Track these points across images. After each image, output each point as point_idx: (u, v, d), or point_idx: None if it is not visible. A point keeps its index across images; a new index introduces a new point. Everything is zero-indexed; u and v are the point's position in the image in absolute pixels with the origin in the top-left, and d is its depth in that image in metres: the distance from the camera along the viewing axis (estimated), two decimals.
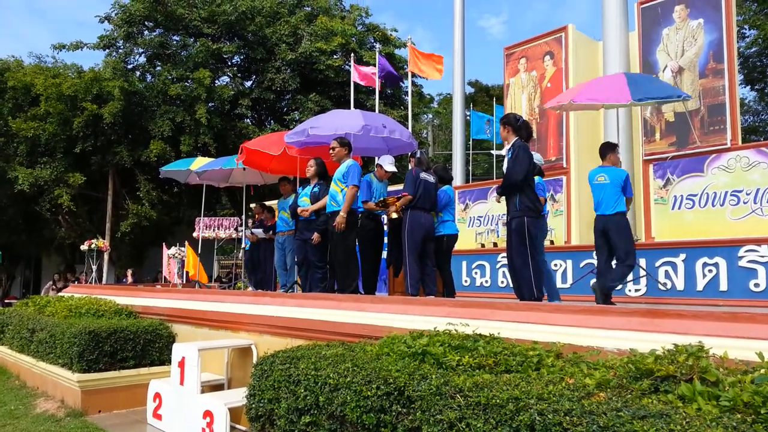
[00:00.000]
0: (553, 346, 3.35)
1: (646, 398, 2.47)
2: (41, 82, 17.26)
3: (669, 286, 7.40)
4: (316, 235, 6.66)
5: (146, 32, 19.90)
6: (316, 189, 6.94)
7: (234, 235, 13.06)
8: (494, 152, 18.66)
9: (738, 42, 15.37)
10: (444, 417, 2.77)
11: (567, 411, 2.40)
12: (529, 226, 5.44)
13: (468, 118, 19.08)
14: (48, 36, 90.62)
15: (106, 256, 18.78)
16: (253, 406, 3.99)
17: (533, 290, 5.37)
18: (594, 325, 3.57)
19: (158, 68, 19.79)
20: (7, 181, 17.85)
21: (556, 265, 8.58)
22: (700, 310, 3.42)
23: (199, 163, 11.63)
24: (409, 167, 6.91)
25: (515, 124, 5.73)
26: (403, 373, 3.16)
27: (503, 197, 5.80)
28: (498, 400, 2.64)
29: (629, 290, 7.73)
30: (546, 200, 6.86)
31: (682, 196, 8.38)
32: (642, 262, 7.67)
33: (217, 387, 6.31)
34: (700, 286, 7.16)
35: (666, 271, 7.45)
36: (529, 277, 5.41)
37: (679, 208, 8.35)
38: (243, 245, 11.73)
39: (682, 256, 7.34)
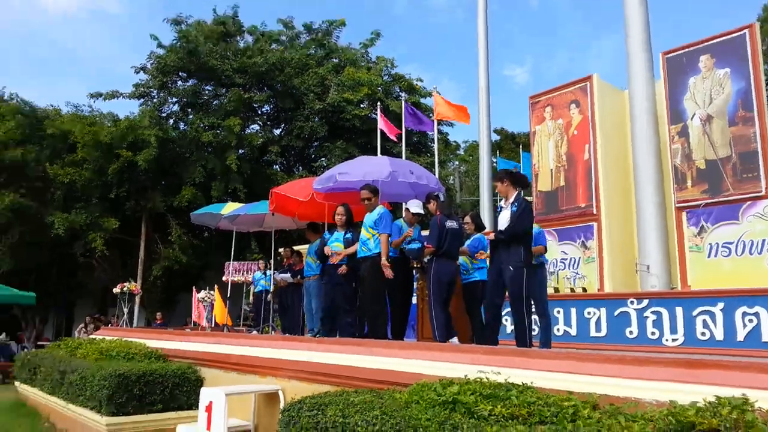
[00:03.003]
0: (589, 397, 3.25)
1: None
2: (79, 130, 17.94)
3: (708, 335, 7.18)
4: (343, 267, 6.60)
5: (180, 82, 20.66)
6: (349, 236, 6.97)
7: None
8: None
9: (767, 90, 15.29)
10: None
11: None
12: (527, 278, 5.61)
13: (495, 165, 19.15)
14: (85, 86, 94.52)
15: (137, 300, 19.01)
16: None
17: (526, 340, 5.55)
18: (631, 375, 3.46)
19: (191, 116, 20.42)
20: (44, 226, 18.35)
21: (589, 313, 8.41)
22: (743, 361, 3.30)
23: (230, 208, 11.82)
24: (431, 209, 6.91)
25: (513, 178, 5.94)
26: (434, 422, 3.10)
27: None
28: None
29: (666, 340, 7.52)
30: (546, 248, 6.96)
31: (717, 243, 8.21)
32: (679, 311, 7.48)
33: None
34: (740, 336, 6.93)
35: (704, 321, 7.24)
36: (523, 327, 5.55)
37: (716, 256, 8.18)
38: (253, 288, 11.82)
39: (720, 305, 7.14)
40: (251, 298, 11.90)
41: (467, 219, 7.11)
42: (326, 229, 8.55)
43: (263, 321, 11.53)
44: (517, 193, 5.86)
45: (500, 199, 6.20)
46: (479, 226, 7.06)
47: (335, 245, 6.96)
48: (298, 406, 4.05)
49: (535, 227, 6.27)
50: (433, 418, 3.15)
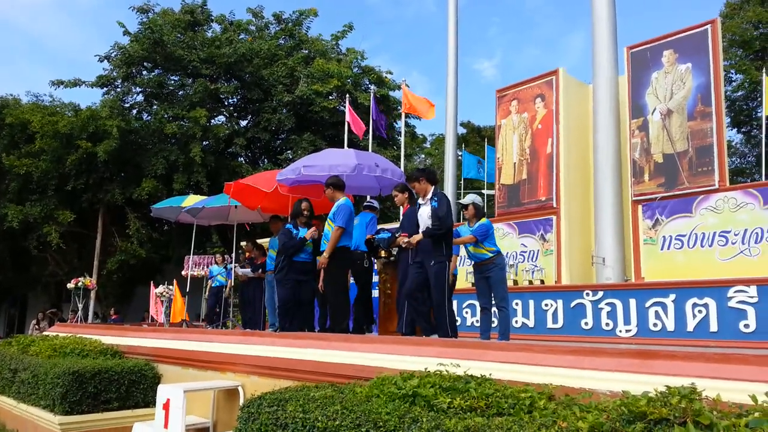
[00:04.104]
0: (545, 388, 3.31)
1: None
2: (38, 120, 17.36)
3: (659, 326, 7.37)
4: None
5: (144, 72, 20.15)
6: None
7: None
8: (485, 192, 18.76)
9: (725, 86, 15.75)
10: None
11: None
12: (447, 271, 5.77)
13: (460, 158, 19.27)
14: (48, 75, 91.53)
15: (93, 295, 18.54)
16: None
17: (448, 330, 5.64)
18: (586, 366, 3.52)
19: (155, 107, 19.95)
20: None
21: (546, 305, 8.54)
22: (692, 351, 3.40)
23: (191, 200, 11.63)
24: (400, 200, 6.87)
25: (428, 175, 6.09)
26: (393, 416, 3.10)
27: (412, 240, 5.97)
28: None
29: (620, 331, 7.69)
30: (476, 239, 6.68)
31: (671, 236, 8.42)
32: (632, 303, 7.67)
33: (202, 430, 6.15)
34: (690, 327, 7.14)
35: (656, 312, 7.44)
36: (444, 318, 5.67)
37: (669, 248, 8.39)
38: (209, 283, 11.64)
39: (672, 296, 7.34)
40: (206, 293, 11.69)
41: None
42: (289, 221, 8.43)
43: (222, 317, 11.37)
44: (433, 188, 6.02)
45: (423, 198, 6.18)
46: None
47: (307, 245, 6.92)
48: (258, 402, 4.00)
49: (485, 220, 6.27)
50: (393, 412, 3.15)
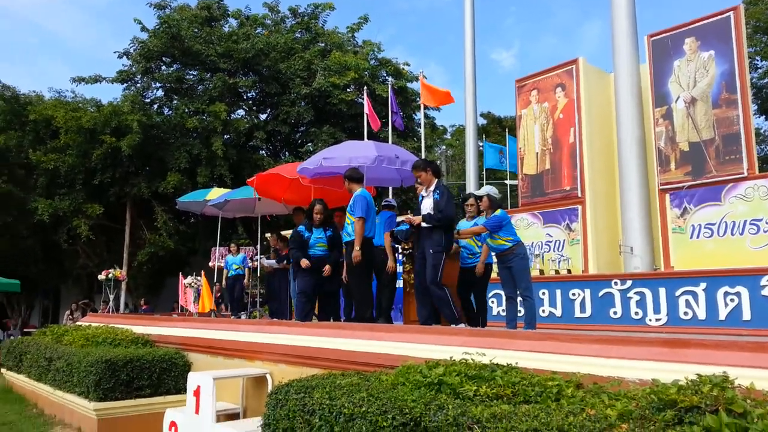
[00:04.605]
0: (573, 377, 3.29)
1: (670, 430, 2.41)
2: (61, 116, 17.66)
3: (690, 315, 7.29)
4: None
5: (164, 67, 20.36)
6: (329, 233, 7.20)
7: (249, 265, 13.09)
8: (508, 182, 18.66)
9: (750, 73, 15.37)
10: None
11: None
12: (444, 262, 5.88)
13: (481, 148, 19.16)
14: (67, 72, 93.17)
15: (123, 286, 18.89)
16: None
17: (454, 314, 5.77)
18: (614, 355, 3.51)
19: (175, 102, 20.17)
20: (27, 212, 18.16)
21: (574, 294, 8.49)
22: (724, 340, 3.36)
23: (215, 194, 11.76)
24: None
25: (434, 168, 6.24)
26: (419, 403, 3.12)
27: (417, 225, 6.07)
28: None
29: (650, 320, 7.62)
30: (488, 229, 6.66)
31: (700, 225, 8.30)
32: (662, 291, 7.58)
33: (232, 416, 6.26)
34: (722, 316, 7.04)
35: (687, 301, 7.35)
36: (449, 304, 5.77)
37: (698, 237, 8.27)
38: (225, 273, 11.71)
39: (703, 285, 7.24)
40: (223, 282, 11.78)
41: (470, 201, 6.90)
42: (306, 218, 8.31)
43: (239, 308, 11.46)
44: (437, 181, 6.13)
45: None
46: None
47: (319, 245, 7.11)
48: (285, 389, 4.06)
49: (500, 211, 6.26)
50: (419, 399, 3.18)
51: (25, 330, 19.77)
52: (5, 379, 10.40)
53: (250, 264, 11.76)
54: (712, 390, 2.57)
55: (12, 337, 15.58)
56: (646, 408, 2.67)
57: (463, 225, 6.86)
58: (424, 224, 5.95)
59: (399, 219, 7.11)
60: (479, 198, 6.57)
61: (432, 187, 6.08)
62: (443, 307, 5.86)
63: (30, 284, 21.20)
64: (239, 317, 10.91)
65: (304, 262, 6.89)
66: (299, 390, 3.92)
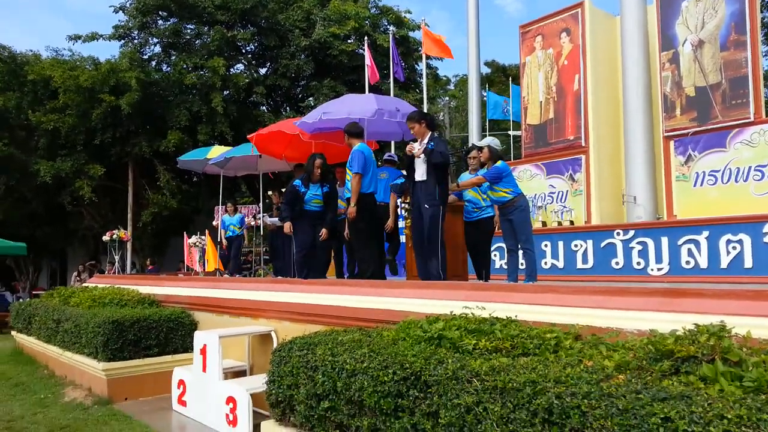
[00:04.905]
0: (571, 329, 3.31)
1: (667, 380, 2.43)
2: (59, 75, 17.41)
3: (692, 264, 7.28)
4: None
5: (160, 21, 19.96)
6: (326, 189, 7.09)
7: (252, 223, 13.12)
8: (511, 133, 18.46)
9: (762, 12, 14.94)
10: (461, 401, 2.76)
11: (585, 394, 2.37)
12: (443, 215, 5.87)
13: (484, 99, 18.87)
14: (66, 29, 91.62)
15: (129, 246, 19.03)
16: (273, 392, 4.02)
17: (440, 275, 5.72)
18: (613, 306, 3.51)
19: (173, 58, 19.85)
20: (30, 174, 18.15)
21: (576, 245, 8.49)
22: (721, 289, 3.35)
23: (216, 152, 11.69)
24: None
25: (429, 120, 6.16)
26: (419, 357, 3.16)
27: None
28: (515, 384, 2.62)
29: (651, 269, 7.63)
30: (488, 179, 6.55)
31: (704, 172, 8.21)
32: (664, 241, 7.57)
33: (239, 373, 6.38)
34: (724, 264, 7.04)
35: (689, 249, 7.33)
36: (437, 263, 5.76)
37: (702, 184, 8.19)
38: (222, 233, 11.69)
39: (705, 233, 7.21)
40: (223, 242, 11.78)
41: (473, 153, 6.84)
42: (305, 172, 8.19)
43: (237, 268, 11.46)
44: (431, 134, 6.06)
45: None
46: (496, 156, 6.83)
47: (315, 202, 7.01)
48: (288, 346, 4.11)
49: (501, 162, 6.18)
50: (419, 354, 3.21)
51: (33, 292, 20.04)
52: (16, 341, 10.60)
53: (253, 222, 11.76)
54: (709, 339, 2.57)
55: (21, 300, 15.81)
56: (643, 359, 2.69)
57: (465, 177, 6.81)
58: (420, 159, 5.91)
59: (407, 182, 6.95)
60: (480, 149, 6.49)
61: (425, 140, 5.99)
62: (431, 267, 5.82)
63: (37, 247, 21.38)
64: (221, 274, 10.91)
65: (287, 227, 6.89)
66: (302, 347, 3.97)
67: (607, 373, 2.58)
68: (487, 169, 6.28)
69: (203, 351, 5.98)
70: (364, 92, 14.13)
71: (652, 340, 2.73)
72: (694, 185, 8.28)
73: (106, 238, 13.54)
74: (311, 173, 7.00)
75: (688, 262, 7.31)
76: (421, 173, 5.92)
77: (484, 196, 6.53)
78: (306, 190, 6.99)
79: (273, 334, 6.02)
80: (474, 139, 13.24)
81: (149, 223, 19.31)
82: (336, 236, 7.30)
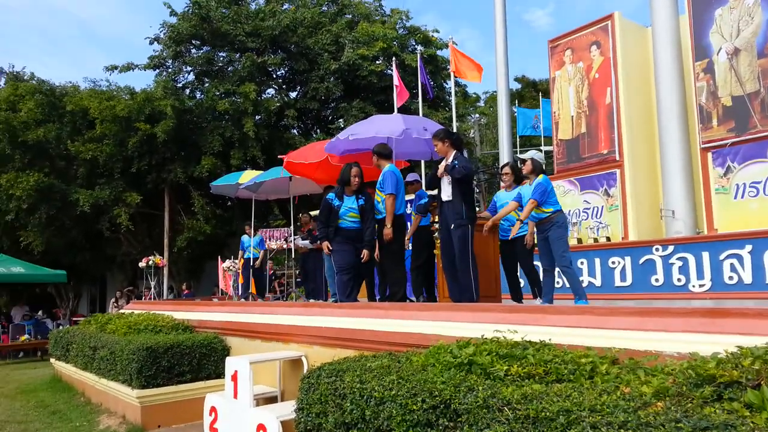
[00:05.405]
0: (607, 352, 3.18)
1: (709, 407, 2.28)
2: (96, 106, 17.97)
3: (735, 279, 7.00)
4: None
5: (193, 50, 20.49)
6: (362, 202, 6.63)
7: (285, 246, 13.18)
8: (542, 149, 18.23)
9: None
10: (492, 431, 2.65)
11: (622, 423, 2.25)
12: (471, 234, 5.77)
13: (514, 114, 18.72)
14: (102, 59, 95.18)
15: (165, 271, 19.33)
16: (302, 419, 3.96)
17: (473, 295, 5.64)
18: (651, 327, 3.36)
19: (206, 84, 20.30)
20: (69, 203, 18.65)
21: (613, 262, 8.26)
22: (766, 308, 3.17)
23: (247, 176, 11.82)
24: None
25: (454, 139, 6.07)
26: (449, 385, 3.06)
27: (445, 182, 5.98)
28: (548, 413, 2.50)
29: (693, 286, 7.36)
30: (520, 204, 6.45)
31: (744, 184, 7.93)
32: (705, 256, 7.30)
33: (271, 399, 6.34)
34: None
35: (731, 264, 7.06)
36: (470, 282, 5.65)
37: (743, 197, 7.91)
38: (241, 254, 11.63)
39: (749, 247, 6.94)
40: (228, 262, 11.76)
41: (506, 169, 6.79)
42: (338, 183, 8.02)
43: (259, 291, 11.39)
44: (455, 153, 5.97)
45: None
46: (519, 177, 6.68)
47: (350, 216, 6.57)
48: (317, 373, 4.06)
49: (542, 177, 6.03)
50: (449, 381, 3.11)
51: (73, 319, 20.48)
52: (54, 368, 10.80)
53: (285, 245, 11.78)
54: (754, 363, 2.42)
55: (61, 327, 16.17)
56: (683, 384, 2.55)
57: (501, 195, 6.70)
58: (445, 179, 5.87)
59: (431, 201, 6.94)
60: (523, 162, 6.33)
61: (450, 160, 5.93)
62: (463, 288, 5.73)
63: (77, 274, 21.89)
64: (254, 298, 10.90)
65: (325, 247, 6.48)
66: (330, 374, 3.91)
67: (645, 400, 2.44)
68: (530, 183, 6.13)
69: (234, 377, 5.96)
70: (392, 112, 14.16)
71: (693, 364, 2.59)
72: (735, 197, 8.00)
73: (142, 264, 13.78)
74: (347, 182, 6.53)
75: (731, 278, 7.03)
76: (447, 193, 5.87)
77: (520, 214, 6.40)
78: (340, 203, 6.50)
79: (304, 359, 5.97)
80: (504, 155, 13.11)
81: (184, 248, 19.62)
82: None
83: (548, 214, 5.91)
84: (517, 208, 6.20)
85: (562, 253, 5.88)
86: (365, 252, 6.40)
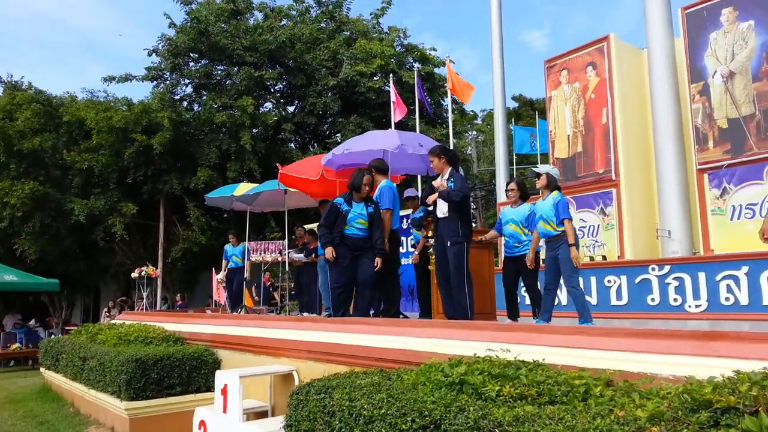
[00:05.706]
0: (602, 374, 3.13)
1: None
2: (92, 116, 17.97)
3: (732, 301, 6.96)
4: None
5: (191, 63, 20.53)
6: (371, 209, 6.38)
7: (279, 259, 13.10)
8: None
9: None
10: None
11: None
12: (467, 251, 5.77)
13: (511, 132, 18.77)
14: (101, 71, 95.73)
15: (159, 282, 19.20)
16: None
17: (468, 312, 5.61)
18: (646, 349, 3.32)
19: (204, 97, 20.34)
20: (64, 212, 18.57)
21: (609, 281, 8.22)
22: (762, 332, 3.13)
23: (242, 189, 11.78)
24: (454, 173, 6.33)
25: (450, 156, 6.08)
26: (439, 405, 3.00)
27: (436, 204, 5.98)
28: None
29: (689, 306, 7.32)
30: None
31: (741, 205, 7.93)
32: (701, 276, 7.27)
33: (261, 414, 6.25)
34: (766, 301, 6.71)
35: (728, 285, 7.02)
36: (464, 299, 5.63)
37: (739, 218, 7.91)
38: (224, 264, 11.54)
39: (745, 268, 6.91)
40: (222, 274, 11.63)
41: (512, 185, 6.59)
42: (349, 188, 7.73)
43: (238, 302, 11.18)
44: (451, 170, 5.96)
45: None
46: (525, 194, 6.59)
47: (359, 222, 6.28)
48: (306, 389, 3.99)
49: (557, 193, 5.92)
50: (439, 401, 3.06)
51: (66, 328, 20.29)
52: (44, 378, 10.67)
53: (280, 258, 11.69)
54: (751, 389, 2.37)
55: (53, 335, 16.00)
56: (678, 409, 2.49)
57: (507, 212, 6.63)
58: (440, 201, 5.82)
59: (427, 214, 6.92)
60: (538, 175, 6.11)
61: (446, 176, 5.92)
62: (458, 305, 5.69)
63: (71, 283, 21.72)
64: (237, 312, 10.74)
65: (329, 252, 6.11)
66: (320, 390, 3.85)
67: (640, 424, 2.39)
68: (543, 198, 6.01)
69: (224, 391, 5.88)
70: (390, 128, 14.18)
71: (689, 388, 2.54)
72: (731, 219, 8.00)
73: (134, 275, 13.67)
74: (358, 189, 6.25)
75: (727, 299, 6.99)
76: (443, 210, 5.84)
77: (526, 231, 6.34)
78: (349, 209, 6.21)
79: (295, 374, 5.90)
80: (501, 174, 13.12)
81: (179, 259, 19.51)
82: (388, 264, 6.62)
83: (560, 232, 5.77)
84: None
85: (571, 272, 5.73)
86: (378, 260, 6.16)
